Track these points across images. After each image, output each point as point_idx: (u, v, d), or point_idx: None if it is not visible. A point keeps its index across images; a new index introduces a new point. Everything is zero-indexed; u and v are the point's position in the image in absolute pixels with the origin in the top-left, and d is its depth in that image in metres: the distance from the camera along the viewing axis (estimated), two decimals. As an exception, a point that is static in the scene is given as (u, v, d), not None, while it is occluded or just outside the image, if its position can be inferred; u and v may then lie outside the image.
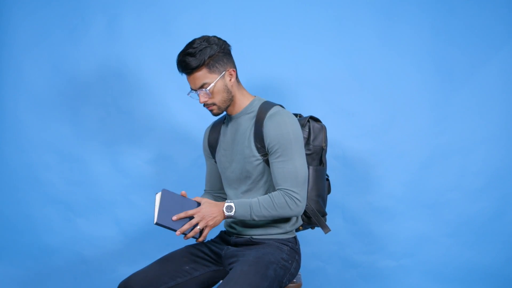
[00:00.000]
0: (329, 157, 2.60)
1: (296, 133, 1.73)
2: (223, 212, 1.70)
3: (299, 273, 1.95)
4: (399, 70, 2.63)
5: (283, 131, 1.72)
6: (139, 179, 2.69)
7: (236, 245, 1.85)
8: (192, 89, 1.80)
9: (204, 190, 2.08)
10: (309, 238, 2.56)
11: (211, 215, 1.68)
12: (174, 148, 2.69)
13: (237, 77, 1.84)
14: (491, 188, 2.60)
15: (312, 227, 1.98)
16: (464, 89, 2.63)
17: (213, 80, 1.75)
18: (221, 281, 1.98)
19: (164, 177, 2.69)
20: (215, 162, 1.99)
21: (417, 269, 2.61)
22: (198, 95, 1.78)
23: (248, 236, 1.84)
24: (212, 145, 1.97)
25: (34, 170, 2.72)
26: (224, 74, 1.77)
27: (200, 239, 1.69)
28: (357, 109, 2.64)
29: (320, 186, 1.90)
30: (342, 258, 2.64)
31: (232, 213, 1.70)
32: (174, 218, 1.66)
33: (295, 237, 1.89)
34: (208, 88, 1.74)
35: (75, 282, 2.68)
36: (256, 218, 1.71)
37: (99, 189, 2.70)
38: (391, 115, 2.64)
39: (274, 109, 1.78)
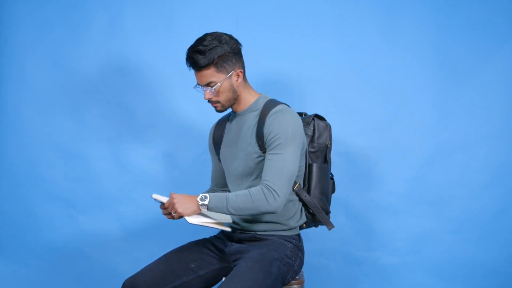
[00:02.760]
0: (332, 154, 2.58)
1: (295, 131, 1.72)
2: (197, 201, 1.70)
3: (301, 269, 1.95)
4: (402, 67, 2.62)
5: (282, 127, 1.71)
6: (141, 176, 2.69)
7: (239, 241, 1.86)
8: (198, 84, 1.80)
9: (211, 186, 2.10)
10: (311, 235, 2.55)
11: (182, 202, 1.70)
12: (177, 145, 2.69)
13: (244, 76, 1.84)
14: (495, 184, 2.59)
15: (316, 225, 1.98)
16: (467, 85, 2.61)
17: (220, 80, 1.75)
18: (224, 278, 1.98)
19: (166, 174, 2.69)
20: (219, 159, 1.99)
21: (420, 266, 2.60)
22: (203, 91, 1.79)
23: (252, 232, 1.84)
24: (216, 142, 1.98)
25: (36, 167, 2.71)
26: (231, 74, 1.77)
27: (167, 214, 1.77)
28: (360, 106, 2.64)
29: (324, 183, 1.90)
30: (345, 255, 2.64)
31: (206, 202, 1.69)
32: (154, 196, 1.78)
33: (298, 235, 1.90)
34: (214, 87, 1.75)
35: (77, 279, 2.68)
36: (232, 211, 1.69)
37: (101, 186, 2.70)
38: (394, 112, 2.63)
39: (278, 107, 1.78)
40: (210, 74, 1.74)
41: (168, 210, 1.74)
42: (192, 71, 1.79)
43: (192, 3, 2.66)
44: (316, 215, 1.88)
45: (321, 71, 2.63)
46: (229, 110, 1.92)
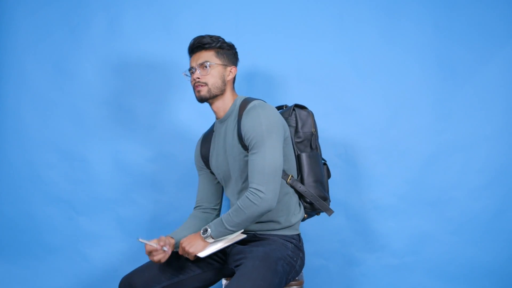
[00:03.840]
0: (332, 155, 2.60)
1: (269, 125, 1.72)
2: (201, 236, 1.74)
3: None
4: (401, 67, 2.62)
5: (255, 124, 1.72)
6: (140, 177, 2.69)
7: (241, 242, 1.86)
8: (190, 68, 1.84)
9: (194, 207, 2.07)
10: (311, 236, 2.56)
11: (189, 243, 1.73)
12: (176, 146, 2.69)
13: (234, 81, 1.91)
14: (494, 185, 2.59)
15: (318, 213, 1.99)
16: (466, 86, 2.62)
17: (216, 63, 1.82)
18: (223, 280, 1.98)
19: (165, 175, 2.69)
20: (210, 172, 2.00)
21: (420, 267, 2.60)
22: (194, 72, 1.83)
23: (252, 232, 1.85)
24: (205, 155, 1.99)
25: (35, 169, 2.71)
26: (226, 66, 1.84)
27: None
28: (360, 107, 2.64)
29: (317, 170, 1.91)
30: (344, 256, 2.64)
31: (208, 234, 1.72)
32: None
33: (298, 235, 1.90)
34: (208, 64, 1.81)
35: (77, 281, 2.68)
36: (233, 229, 1.72)
37: (100, 187, 2.70)
38: (393, 113, 2.64)
39: (251, 104, 1.80)
40: (209, 56, 1.83)
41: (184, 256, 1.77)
42: (187, 73, 1.83)
43: (191, 6, 2.67)
44: (314, 204, 1.88)
45: (320, 72, 2.64)
46: (212, 123, 1.95)
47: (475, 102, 2.61)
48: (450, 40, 2.61)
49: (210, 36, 1.84)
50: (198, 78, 1.81)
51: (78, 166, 2.71)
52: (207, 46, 1.83)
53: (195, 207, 2.06)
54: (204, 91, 1.82)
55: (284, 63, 2.64)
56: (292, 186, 1.86)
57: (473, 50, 2.61)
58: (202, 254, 1.72)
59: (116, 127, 2.70)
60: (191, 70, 1.85)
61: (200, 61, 1.82)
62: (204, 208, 2.04)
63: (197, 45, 1.84)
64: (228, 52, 1.88)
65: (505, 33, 2.60)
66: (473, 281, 2.56)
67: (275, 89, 2.62)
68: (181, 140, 2.67)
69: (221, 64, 1.84)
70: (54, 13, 2.72)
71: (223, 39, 1.88)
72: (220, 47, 1.85)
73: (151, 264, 1.81)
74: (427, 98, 2.62)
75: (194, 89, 1.85)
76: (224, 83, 1.84)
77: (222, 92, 1.85)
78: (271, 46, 2.64)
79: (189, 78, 1.87)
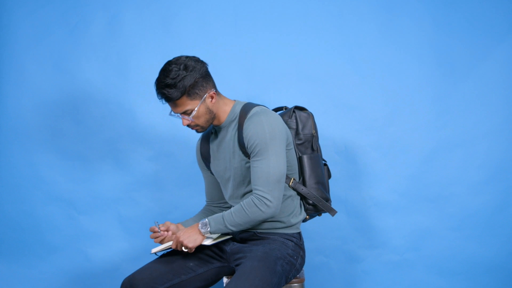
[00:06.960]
0: (332, 152, 2.60)
1: (273, 132, 1.72)
2: (199, 230, 1.74)
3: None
4: (400, 64, 2.63)
5: (259, 131, 1.71)
6: (141, 177, 2.69)
7: (241, 240, 1.86)
8: (173, 112, 1.79)
9: (206, 202, 2.10)
10: (312, 233, 2.56)
11: (188, 237, 1.73)
12: (176, 145, 2.69)
13: (217, 92, 1.82)
14: (494, 181, 2.60)
15: (319, 214, 1.99)
16: (466, 82, 2.62)
17: (195, 106, 1.75)
18: (225, 278, 1.99)
19: (166, 174, 2.69)
20: (211, 173, 2.00)
21: (421, 263, 2.61)
22: (180, 118, 1.79)
23: (253, 231, 1.85)
24: (205, 156, 1.99)
25: (36, 168, 2.72)
26: (205, 98, 1.76)
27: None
28: (359, 104, 2.64)
29: (318, 172, 1.91)
30: (345, 252, 2.65)
31: (208, 229, 1.73)
32: (153, 251, 1.78)
33: (299, 233, 1.90)
34: (191, 115, 1.75)
35: (79, 280, 2.69)
36: (232, 228, 1.73)
37: (101, 186, 2.70)
38: (393, 109, 2.64)
39: (253, 111, 1.78)
40: (184, 103, 1.73)
41: (174, 246, 1.76)
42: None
43: (190, 5, 2.66)
44: (317, 205, 1.89)
45: (320, 69, 2.64)
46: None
47: (474, 98, 2.61)
48: (448, 36, 2.61)
49: (172, 85, 1.67)
50: (189, 124, 1.79)
51: (79, 166, 2.71)
52: (175, 98, 1.70)
53: (206, 202, 2.10)
54: (199, 129, 1.82)
55: (283, 61, 2.64)
56: (294, 189, 1.86)
57: (472, 46, 2.61)
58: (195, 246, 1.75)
59: (116, 126, 2.70)
60: (176, 115, 1.80)
61: (180, 111, 1.75)
62: (216, 204, 2.06)
63: (166, 99, 1.73)
64: (197, 83, 1.71)
65: (503, 29, 2.60)
66: (473, 277, 2.56)
67: (274, 87, 2.62)
68: (181, 139, 2.68)
69: (200, 103, 1.74)
70: (54, 12, 2.72)
71: (184, 74, 1.68)
72: (189, 86, 1.69)
73: (152, 265, 1.82)
74: (427, 94, 2.62)
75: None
76: (212, 112, 1.79)
77: (214, 117, 1.83)
78: (270, 44, 2.63)
79: (176, 118, 1.82)
